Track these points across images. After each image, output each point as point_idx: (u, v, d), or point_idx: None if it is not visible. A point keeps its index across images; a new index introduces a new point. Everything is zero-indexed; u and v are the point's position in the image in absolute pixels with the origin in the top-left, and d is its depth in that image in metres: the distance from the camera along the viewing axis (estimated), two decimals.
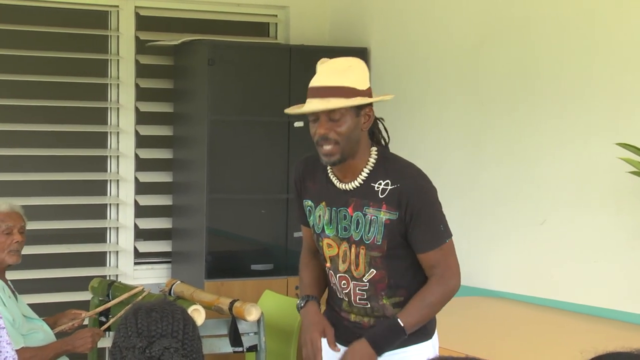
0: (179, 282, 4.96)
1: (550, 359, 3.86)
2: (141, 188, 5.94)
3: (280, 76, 5.72)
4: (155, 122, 5.97)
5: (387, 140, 3.28)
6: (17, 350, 3.86)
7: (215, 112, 5.61)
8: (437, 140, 5.55)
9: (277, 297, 5.33)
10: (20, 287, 4.58)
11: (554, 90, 4.81)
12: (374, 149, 3.19)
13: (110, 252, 5.93)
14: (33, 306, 4.52)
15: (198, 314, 4.26)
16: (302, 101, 3.13)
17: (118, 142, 5.88)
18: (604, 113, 4.56)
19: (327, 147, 3.07)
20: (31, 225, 4.61)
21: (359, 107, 3.07)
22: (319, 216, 3.27)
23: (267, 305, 5.04)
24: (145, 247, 5.97)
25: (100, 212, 5.92)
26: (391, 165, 3.18)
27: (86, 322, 4.86)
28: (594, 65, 4.61)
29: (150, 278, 5.83)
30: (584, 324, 4.40)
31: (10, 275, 4.47)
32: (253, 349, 4.57)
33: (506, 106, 5.10)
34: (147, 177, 5.95)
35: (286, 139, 5.78)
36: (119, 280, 5.52)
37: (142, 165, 5.94)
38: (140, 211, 5.94)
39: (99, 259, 5.91)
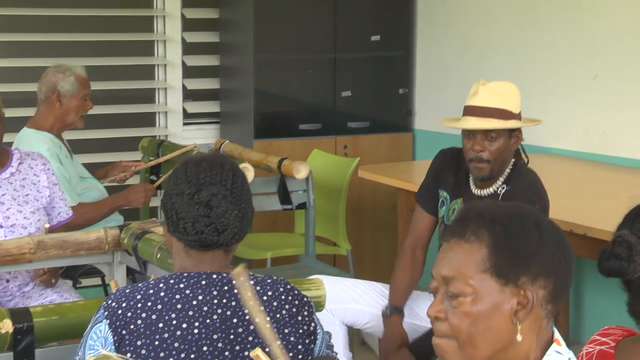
0: (227, 141, 4.99)
1: (600, 206, 3.87)
2: (188, 48, 5.92)
3: None
4: None
5: (527, 160, 3.43)
6: (73, 207, 3.97)
7: None
8: None
9: (325, 155, 5.35)
10: (73, 148, 4.64)
11: None
12: (512, 160, 3.35)
13: (159, 112, 5.96)
14: (85, 166, 4.59)
15: (247, 172, 4.26)
16: None
17: (164, 1, 5.84)
18: None
19: (480, 165, 3.26)
20: None
21: (512, 130, 3.27)
22: (454, 209, 3.40)
23: (315, 164, 5.06)
24: (194, 107, 5.99)
25: (148, 73, 5.92)
26: (518, 174, 3.33)
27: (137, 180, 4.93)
28: None
29: (199, 138, 5.86)
30: (634, 177, 4.38)
31: (64, 135, 4.52)
32: (302, 206, 4.61)
33: None
34: (194, 37, 5.92)
35: None
36: (168, 140, 5.56)
37: (188, 25, 5.90)
38: (188, 72, 5.93)
39: (148, 120, 5.95)
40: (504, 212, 1.70)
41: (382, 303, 3.52)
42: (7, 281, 3.62)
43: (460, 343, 1.67)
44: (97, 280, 4.80)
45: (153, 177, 4.85)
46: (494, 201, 1.75)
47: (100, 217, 4.28)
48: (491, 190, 3.33)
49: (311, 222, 4.59)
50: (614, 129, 4.70)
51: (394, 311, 3.45)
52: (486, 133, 3.22)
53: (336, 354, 2.32)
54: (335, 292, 3.36)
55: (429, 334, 3.32)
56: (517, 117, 3.26)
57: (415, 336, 3.44)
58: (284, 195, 4.58)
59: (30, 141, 4.26)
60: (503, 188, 3.31)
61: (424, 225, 3.53)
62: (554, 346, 1.68)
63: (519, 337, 1.65)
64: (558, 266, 1.68)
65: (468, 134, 3.27)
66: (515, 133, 3.28)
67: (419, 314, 3.50)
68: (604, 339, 1.99)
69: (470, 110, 3.25)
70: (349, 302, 3.50)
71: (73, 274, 4.33)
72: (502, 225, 1.67)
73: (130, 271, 3.65)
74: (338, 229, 5.03)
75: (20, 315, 2.35)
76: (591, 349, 2.05)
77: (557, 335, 1.70)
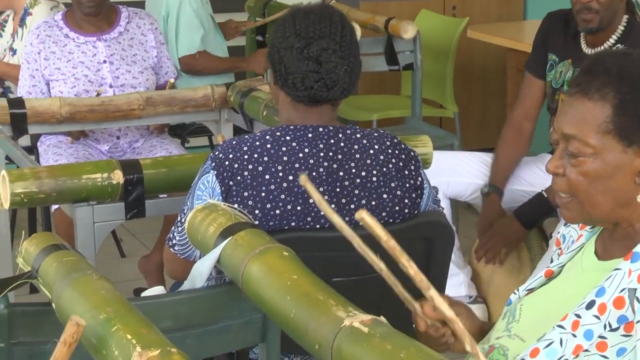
0: (334, 0, 4.92)
1: None
2: None
3: None
4: None
5: None
6: (199, 52, 4.29)
7: None
8: None
9: (433, 16, 5.24)
10: None
11: None
12: (625, 17, 3.23)
13: None
14: None
15: None
16: None
17: None
18: None
19: (587, 16, 3.16)
20: None
21: None
22: (561, 72, 3.32)
23: (423, 24, 4.96)
24: None
25: None
26: (634, 32, 3.22)
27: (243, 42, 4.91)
28: None
29: None
30: None
31: None
32: (409, 67, 4.55)
33: None
34: None
35: None
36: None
37: None
38: None
39: None
40: (635, 66, 1.60)
41: (487, 174, 3.49)
42: (118, 138, 3.69)
43: (579, 200, 1.64)
44: (204, 141, 4.85)
45: (259, 38, 4.84)
46: (626, 52, 1.64)
47: (219, 71, 4.39)
48: (603, 48, 3.23)
49: (418, 83, 4.54)
50: None
51: (493, 190, 3.41)
52: None
53: (443, 208, 2.30)
54: (438, 165, 3.34)
55: (534, 200, 3.29)
56: None
57: (517, 204, 3.40)
58: (391, 56, 4.52)
59: None
60: (618, 48, 3.19)
61: (535, 94, 3.45)
62: None
63: (639, 198, 1.61)
64: None
65: None
66: None
67: (522, 178, 3.46)
68: None
69: None
70: (452, 175, 3.47)
71: (181, 132, 4.40)
72: (631, 83, 1.58)
73: (237, 130, 3.67)
74: (445, 90, 4.96)
75: (130, 167, 2.39)
76: None
77: None
